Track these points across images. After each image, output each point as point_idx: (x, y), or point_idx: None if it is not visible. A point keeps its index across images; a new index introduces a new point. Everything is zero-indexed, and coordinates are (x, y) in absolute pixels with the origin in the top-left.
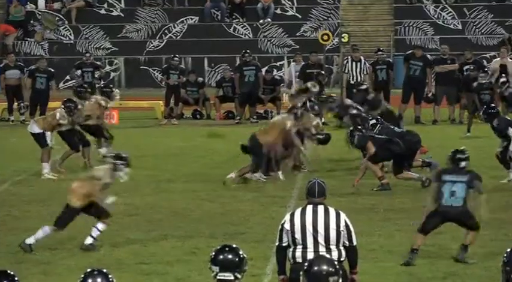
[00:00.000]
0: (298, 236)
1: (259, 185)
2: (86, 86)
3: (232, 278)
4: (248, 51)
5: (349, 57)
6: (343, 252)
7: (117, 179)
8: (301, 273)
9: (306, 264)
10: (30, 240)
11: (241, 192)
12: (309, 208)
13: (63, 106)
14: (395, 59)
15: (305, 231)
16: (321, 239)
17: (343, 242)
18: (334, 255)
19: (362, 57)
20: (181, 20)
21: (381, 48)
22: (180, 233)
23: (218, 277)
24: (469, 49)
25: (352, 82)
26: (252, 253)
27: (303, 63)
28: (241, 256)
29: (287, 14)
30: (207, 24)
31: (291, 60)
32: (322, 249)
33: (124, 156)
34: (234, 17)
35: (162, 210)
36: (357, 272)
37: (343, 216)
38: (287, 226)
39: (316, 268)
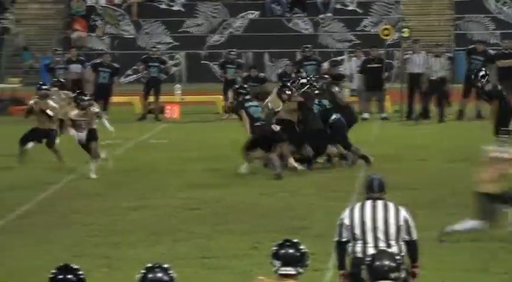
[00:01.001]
0: (357, 231)
1: (321, 180)
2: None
3: (294, 272)
4: (308, 46)
5: (410, 51)
6: (403, 247)
7: None
8: (362, 267)
9: (369, 258)
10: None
11: (303, 186)
12: (368, 203)
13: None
14: (456, 54)
15: (364, 226)
16: (380, 234)
17: (403, 237)
18: (394, 249)
19: (423, 51)
20: (242, 14)
21: (440, 43)
22: (241, 228)
23: (280, 272)
24: None
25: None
26: (313, 248)
27: (364, 58)
28: (303, 251)
29: (347, 8)
30: (268, 18)
31: (352, 55)
32: (382, 244)
33: None
34: (294, 11)
35: (224, 204)
36: (418, 265)
37: (402, 211)
38: (346, 221)
39: (378, 263)
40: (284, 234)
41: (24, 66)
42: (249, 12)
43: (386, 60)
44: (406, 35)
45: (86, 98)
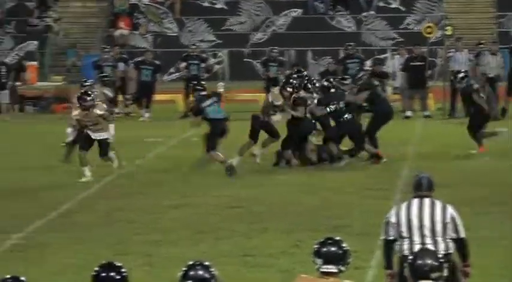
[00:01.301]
0: (404, 229)
1: (361, 178)
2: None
3: (335, 270)
4: (351, 43)
5: (453, 49)
6: (451, 245)
7: None
8: (405, 265)
9: (411, 256)
10: None
11: (343, 184)
12: (415, 201)
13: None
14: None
15: (411, 224)
16: (427, 232)
17: (450, 235)
18: (441, 247)
19: (466, 49)
20: (285, 12)
21: (482, 41)
22: (283, 226)
23: (321, 269)
24: None
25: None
26: (355, 246)
27: (407, 56)
28: (345, 249)
29: (390, 6)
30: (311, 16)
31: (395, 53)
32: (428, 242)
33: None
34: (337, 9)
35: (265, 202)
36: (469, 264)
37: (449, 208)
38: (393, 219)
39: (419, 262)
40: (325, 232)
41: (67, 65)
42: (292, 10)
43: (429, 58)
44: (449, 33)
45: (88, 98)
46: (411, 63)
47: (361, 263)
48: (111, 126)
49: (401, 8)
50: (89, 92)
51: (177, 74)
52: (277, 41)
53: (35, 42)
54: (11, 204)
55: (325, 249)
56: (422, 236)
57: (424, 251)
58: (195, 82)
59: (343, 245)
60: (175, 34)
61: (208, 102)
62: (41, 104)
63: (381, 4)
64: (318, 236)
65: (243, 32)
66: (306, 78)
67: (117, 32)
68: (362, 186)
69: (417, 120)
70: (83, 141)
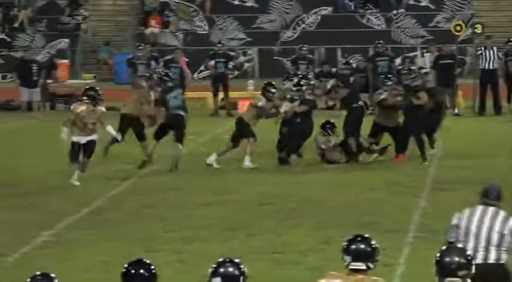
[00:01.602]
0: (462, 232)
1: (391, 175)
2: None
3: (364, 267)
4: (381, 41)
5: (482, 47)
6: (504, 256)
7: None
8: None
9: (438, 254)
10: None
11: (372, 181)
12: (480, 209)
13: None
14: None
15: (469, 230)
16: (482, 240)
17: (508, 247)
18: (492, 256)
19: (495, 47)
20: (315, 10)
21: (511, 39)
22: (313, 222)
23: (350, 266)
24: None
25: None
26: (384, 243)
27: (436, 54)
28: (374, 246)
29: (420, 4)
30: (340, 14)
31: (424, 50)
32: (481, 250)
33: None
34: (367, 7)
35: (295, 199)
36: None
37: (511, 220)
38: (455, 222)
39: (447, 259)
40: (354, 229)
41: (99, 61)
42: (322, 8)
43: (459, 56)
44: (478, 31)
45: (100, 93)
46: (440, 61)
47: (390, 260)
48: (110, 127)
49: (430, 6)
50: (97, 88)
51: (207, 71)
52: (306, 39)
53: (66, 40)
54: (42, 201)
55: (353, 246)
56: (477, 243)
57: (452, 249)
58: (164, 73)
59: (372, 242)
60: (205, 32)
61: (173, 94)
62: (72, 102)
63: (411, 2)
64: (347, 233)
65: (273, 30)
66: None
67: (148, 30)
68: (391, 183)
69: (446, 118)
70: (72, 153)
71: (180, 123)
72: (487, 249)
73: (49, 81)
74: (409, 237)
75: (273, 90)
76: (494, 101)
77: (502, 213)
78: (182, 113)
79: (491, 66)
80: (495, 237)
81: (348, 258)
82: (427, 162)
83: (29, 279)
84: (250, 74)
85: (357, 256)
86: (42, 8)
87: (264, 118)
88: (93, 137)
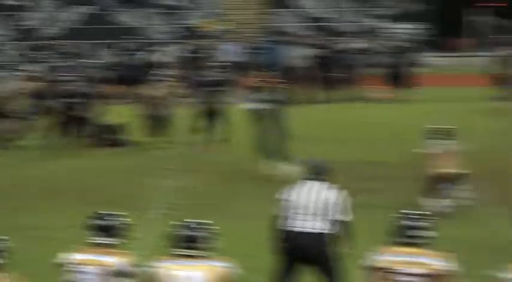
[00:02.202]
0: (291, 205)
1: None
2: None
3: (108, 242)
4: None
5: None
6: (327, 225)
7: None
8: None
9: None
10: None
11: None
12: (307, 184)
13: None
14: None
15: (298, 203)
16: (310, 211)
17: (332, 216)
18: (318, 225)
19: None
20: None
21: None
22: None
23: (95, 241)
24: None
25: None
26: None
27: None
28: (116, 221)
29: (168, 3)
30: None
31: (175, 46)
32: (309, 219)
33: None
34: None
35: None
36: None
37: (335, 191)
38: (284, 197)
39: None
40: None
41: None
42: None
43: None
44: (224, 27)
45: None
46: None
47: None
48: None
49: (181, 4)
50: None
51: None
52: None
53: None
54: None
55: (97, 222)
56: (305, 213)
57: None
58: None
59: (115, 218)
60: None
61: None
62: None
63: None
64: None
65: None
66: None
67: None
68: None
69: None
70: None
71: None
72: (314, 219)
73: None
74: (152, 213)
75: None
76: None
77: (325, 186)
78: None
79: (236, 60)
80: (321, 208)
81: (92, 234)
82: None
83: None
84: None
85: (101, 231)
86: None
87: None
88: None
